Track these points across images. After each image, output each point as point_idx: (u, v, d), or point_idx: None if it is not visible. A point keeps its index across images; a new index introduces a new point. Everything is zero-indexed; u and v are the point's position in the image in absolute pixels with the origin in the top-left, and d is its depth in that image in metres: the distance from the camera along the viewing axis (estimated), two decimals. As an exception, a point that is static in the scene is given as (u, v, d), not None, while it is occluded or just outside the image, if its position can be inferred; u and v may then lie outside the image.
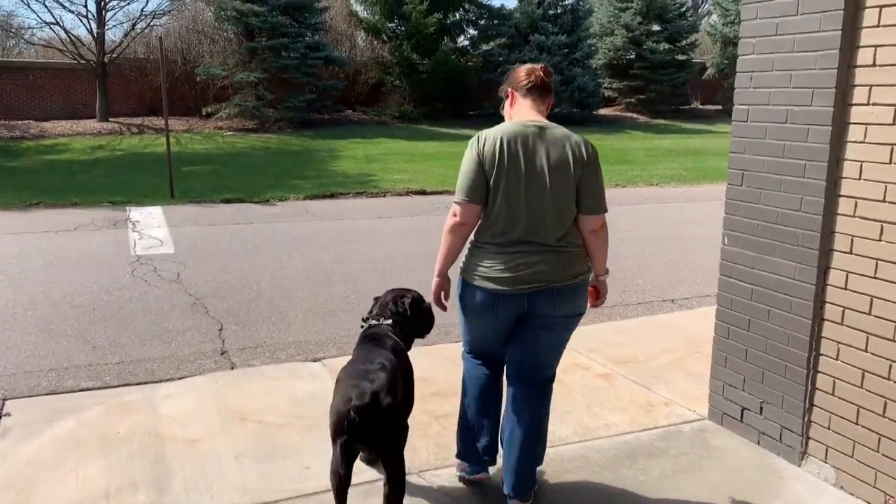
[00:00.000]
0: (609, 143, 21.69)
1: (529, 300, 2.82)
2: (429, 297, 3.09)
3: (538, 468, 3.09)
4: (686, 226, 10.02)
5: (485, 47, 25.38)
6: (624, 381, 4.34)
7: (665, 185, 14.34)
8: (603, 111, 27.51)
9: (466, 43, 25.55)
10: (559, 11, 25.16)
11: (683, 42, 28.80)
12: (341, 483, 2.58)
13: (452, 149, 19.36)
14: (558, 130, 2.84)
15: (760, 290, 3.41)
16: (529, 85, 2.93)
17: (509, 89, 3.00)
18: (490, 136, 2.80)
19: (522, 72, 2.97)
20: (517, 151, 2.76)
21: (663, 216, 10.87)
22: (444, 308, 3.04)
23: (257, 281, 6.94)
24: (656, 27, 27.77)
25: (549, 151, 2.78)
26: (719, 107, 29.70)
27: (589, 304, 3.01)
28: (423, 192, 12.72)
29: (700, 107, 30.19)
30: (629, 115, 28.01)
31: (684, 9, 29.75)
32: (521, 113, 2.92)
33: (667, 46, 27.56)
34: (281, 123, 20.96)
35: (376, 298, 3.21)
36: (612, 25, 28.29)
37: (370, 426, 2.52)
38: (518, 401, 2.96)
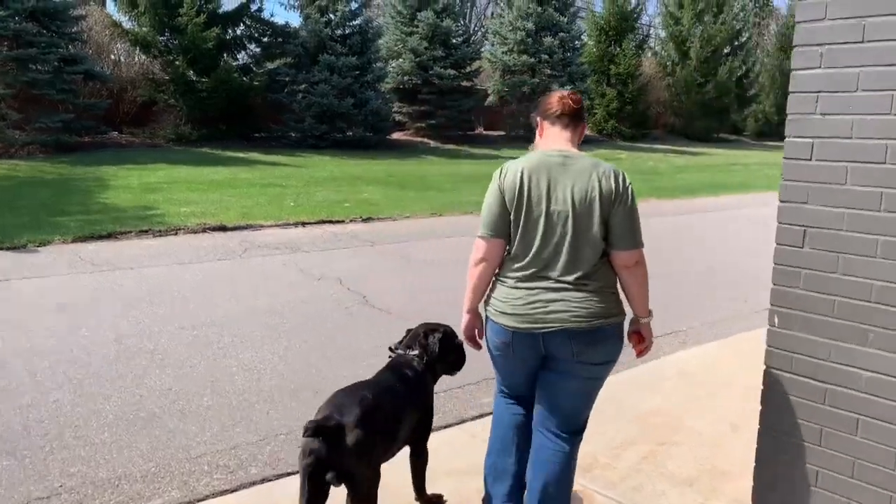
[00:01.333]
0: (408, 168, 21.00)
1: (545, 342, 2.67)
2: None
3: None
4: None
5: (270, 66, 23.61)
6: None
7: (478, 212, 13.73)
8: (395, 136, 26.91)
9: (249, 61, 23.61)
10: (347, 32, 24.14)
11: (468, 69, 29.14)
12: None
13: (244, 174, 17.46)
14: (585, 160, 2.69)
15: (841, 392, 2.48)
16: (558, 112, 2.79)
17: (539, 118, 2.87)
18: (512, 168, 2.71)
19: (552, 99, 2.83)
20: (539, 183, 2.65)
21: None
22: (477, 346, 2.96)
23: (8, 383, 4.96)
24: (441, 52, 27.77)
25: (573, 183, 2.64)
26: (503, 133, 30.43)
27: (635, 353, 2.86)
28: (223, 228, 10.87)
29: (485, 132, 30.71)
30: (421, 139, 27.68)
31: (467, 35, 30.22)
32: (548, 142, 2.80)
33: (452, 72, 27.65)
34: (31, 148, 17.58)
35: (408, 330, 3.16)
36: (400, 49, 27.87)
37: (334, 452, 2.40)
38: (541, 450, 2.81)
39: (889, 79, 2.30)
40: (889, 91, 2.30)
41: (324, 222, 11.78)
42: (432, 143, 27.21)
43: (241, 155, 20.33)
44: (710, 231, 12.38)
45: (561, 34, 29.94)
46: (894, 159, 2.30)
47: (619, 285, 2.71)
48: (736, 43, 37.95)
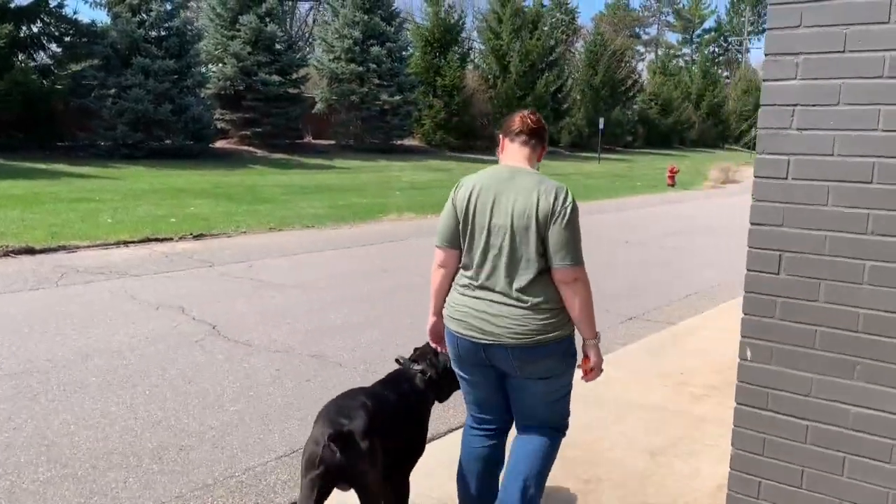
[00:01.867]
0: (236, 179, 19.85)
1: (486, 353, 2.71)
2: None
3: None
4: (381, 276, 8.89)
5: (75, 68, 21.42)
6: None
7: (321, 226, 13.10)
8: (218, 144, 25.41)
9: (50, 62, 21.27)
10: (163, 33, 22.47)
11: (294, 75, 28.23)
12: None
13: (49, 188, 15.59)
14: (532, 177, 2.72)
15: (823, 429, 2.29)
16: (517, 130, 2.85)
17: (501, 135, 2.95)
18: (466, 183, 2.81)
19: (515, 117, 2.90)
20: (485, 197, 2.72)
21: (361, 266, 9.58)
22: (440, 347, 2.98)
23: None
24: (266, 58, 26.65)
25: (516, 198, 2.67)
26: (332, 142, 29.78)
27: (582, 377, 2.80)
28: (30, 251, 9.45)
29: (313, 141, 29.90)
30: (246, 148, 26.38)
31: (291, 41, 29.29)
32: (506, 157, 2.87)
33: (278, 79, 26.63)
34: None
35: (416, 349, 3.09)
36: (221, 53, 26.41)
37: (346, 461, 2.37)
38: (520, 444, 2.82)
39: (876, 92, 2.14)
40: (875, 105, 2.14)
41: (150, 240, 10.63)
42: (259, 153, 26.04)
43: (42, 166, 18.21)
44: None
45: (388, 44, 29.86)
46: (888, 178, 2.14)
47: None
48: (550, 58, 39.89)
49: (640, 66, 64.14)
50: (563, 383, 2.76)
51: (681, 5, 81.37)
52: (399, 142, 31.41)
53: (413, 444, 2.80)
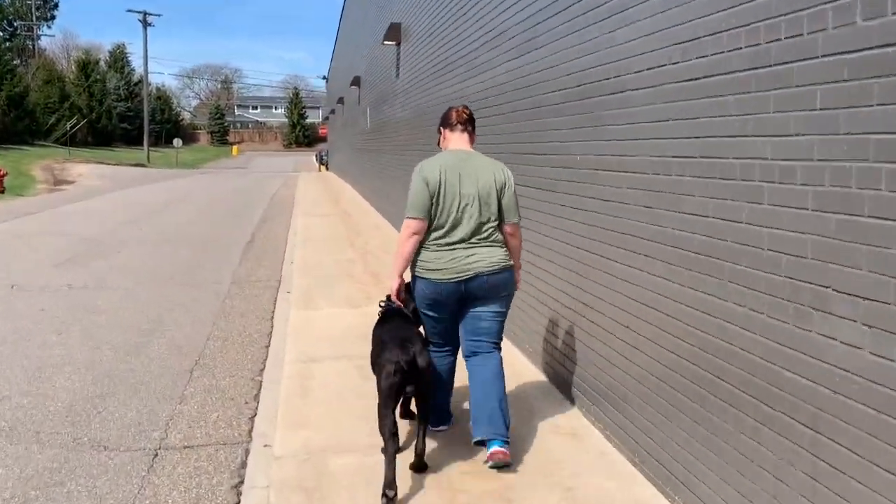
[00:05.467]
0: None
1: (466, 285, 3.68)
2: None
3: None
4: None
5: None
6: None
7: None
8: None
9: None
10: None
11: None
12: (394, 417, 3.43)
13: None
14: (484, 158, 3.82)
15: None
16: (455, 122, 3.89)
17: (441, 128, 3.97)
18: (431, 165, 3.72)
19: (451, 113, 3.94)
20: (453, 176, 3.68)
21: None
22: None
23: None
24: None
25: (477, 175, 3.71)
26: None
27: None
28: None
29: None
30: None
31: None
32: (452, 145, 3.88)
33: None
34: None
35: (388, 297, 4.01)
36: None
37: (414, 372, 3.45)
38: (482, 365, 3.79)
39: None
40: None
41: None
42: None
43: None
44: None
45: None
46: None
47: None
48: None
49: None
50: (509, 303, 3.83)
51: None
52: None
53: None
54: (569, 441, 4.04)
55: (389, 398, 3.42)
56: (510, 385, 4.40)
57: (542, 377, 5.10)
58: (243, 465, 4.00)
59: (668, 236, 3.30)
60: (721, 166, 2.88)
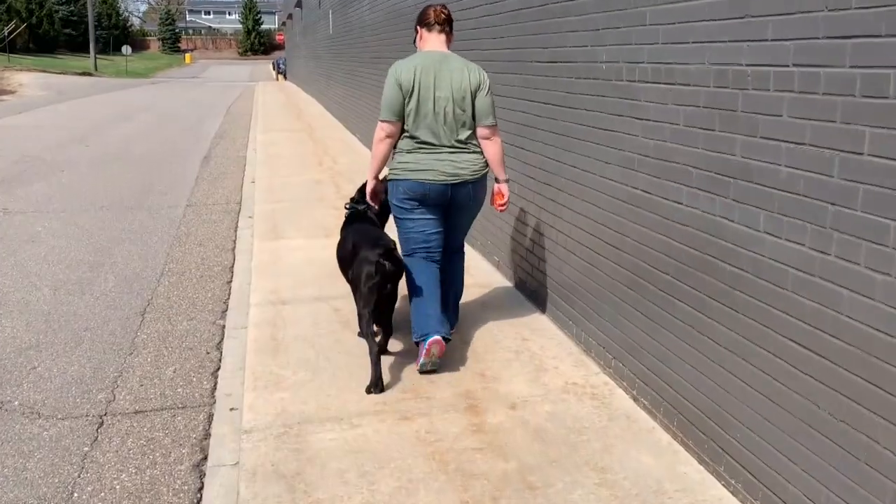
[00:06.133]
0: None
1: (453, 190, 3.66)
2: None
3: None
4: None
5: None
6: None
7: None
8: None
9: None
10: None
11: None
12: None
13: None
14: (458, 60, 3.68)
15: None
16: (432, 21, 3.72)
17: (417, 27, 3.80)
18: (406, 66, 3.61)
19: (428, 11, 3.75)
20: (427, 77, 3.57)
21: None
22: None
23: None
24: None
25: (451, 76, 3.60)
26: None
27: (496, 208, 3.94)
28: None
29: None
30: None
31: None
32: (427, 45, 3.74)
33: None
34: None
35: (353, 197, 4.19)
36: None
37: (394, 268, 3.57)
38: (450, 264, 3.96)
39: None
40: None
41: None
42: None
43: None
44: None
45: None
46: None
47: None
48: None
49: None
50: (478, 208, 3.89)
51: None
52: None
53: None
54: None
55: (371, 299, 3.51)
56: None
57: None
58: (206, 434, 3.37)
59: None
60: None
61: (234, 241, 6.71)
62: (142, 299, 5.18)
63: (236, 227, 7.25)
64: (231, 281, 5.58)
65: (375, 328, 3.68)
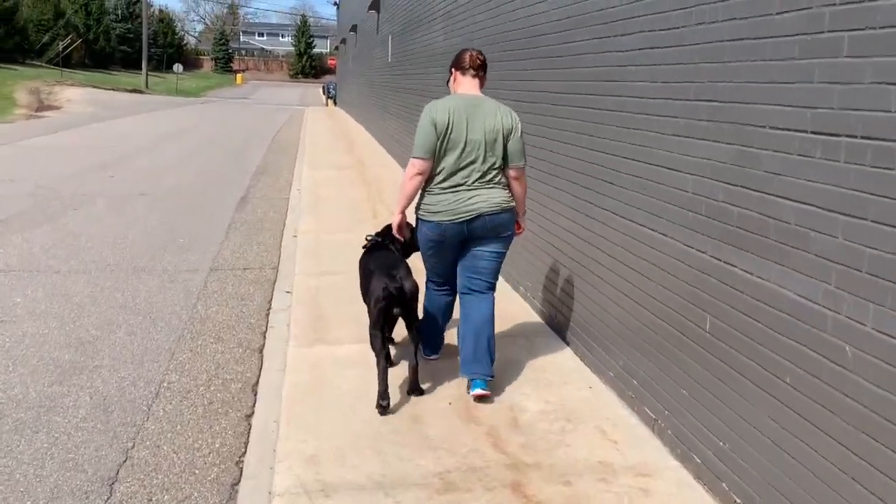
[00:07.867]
0: None
1: (468, 226, 3.76)
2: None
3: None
4: None
5: None
6: None
7: None
8: None
9: None
10: None
11: None
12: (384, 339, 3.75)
13: None
14: (491, 102, 3.83)
15: None
16: (468, 66, 3.88)
17: (453, 69, 3.95)
18: (441, 107, 3.75)
19: (464, 56, 3.91)
20: (461, 119, 3.71)
21: None
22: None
23: None
24: None
25: (484, 119, 3.74)
26: None
27: (517, 234, 4.03)
28: None
29: None
30: None
31: None
32: (462, 88, 3.89)
33: None
34: None
35: (377, 233, 4.34)
36: None
37: (401, 296, 3.72)
38: (476, 305, 3.90)
39: None
40: None
41: None
42: None
43: None
44: None
45: None
46: None
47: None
48: None
49: None
50: (508, 245, 3.92)
51: None
52: None
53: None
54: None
55: (378, 320, 3.69)
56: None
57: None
58: None
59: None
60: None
61: (265, 335, 5.00)
62: (116, 448, 3.48)
63: (268, 309, 5.55)
64: (251, 416, 3.85)
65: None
